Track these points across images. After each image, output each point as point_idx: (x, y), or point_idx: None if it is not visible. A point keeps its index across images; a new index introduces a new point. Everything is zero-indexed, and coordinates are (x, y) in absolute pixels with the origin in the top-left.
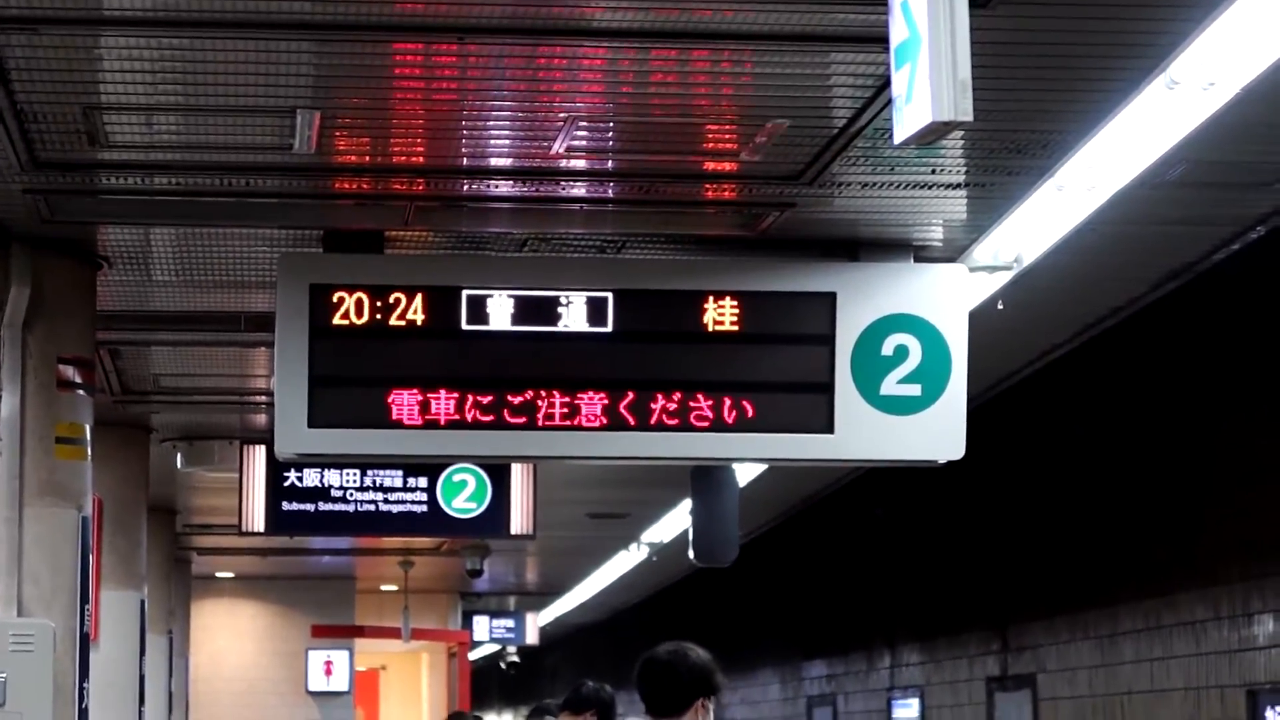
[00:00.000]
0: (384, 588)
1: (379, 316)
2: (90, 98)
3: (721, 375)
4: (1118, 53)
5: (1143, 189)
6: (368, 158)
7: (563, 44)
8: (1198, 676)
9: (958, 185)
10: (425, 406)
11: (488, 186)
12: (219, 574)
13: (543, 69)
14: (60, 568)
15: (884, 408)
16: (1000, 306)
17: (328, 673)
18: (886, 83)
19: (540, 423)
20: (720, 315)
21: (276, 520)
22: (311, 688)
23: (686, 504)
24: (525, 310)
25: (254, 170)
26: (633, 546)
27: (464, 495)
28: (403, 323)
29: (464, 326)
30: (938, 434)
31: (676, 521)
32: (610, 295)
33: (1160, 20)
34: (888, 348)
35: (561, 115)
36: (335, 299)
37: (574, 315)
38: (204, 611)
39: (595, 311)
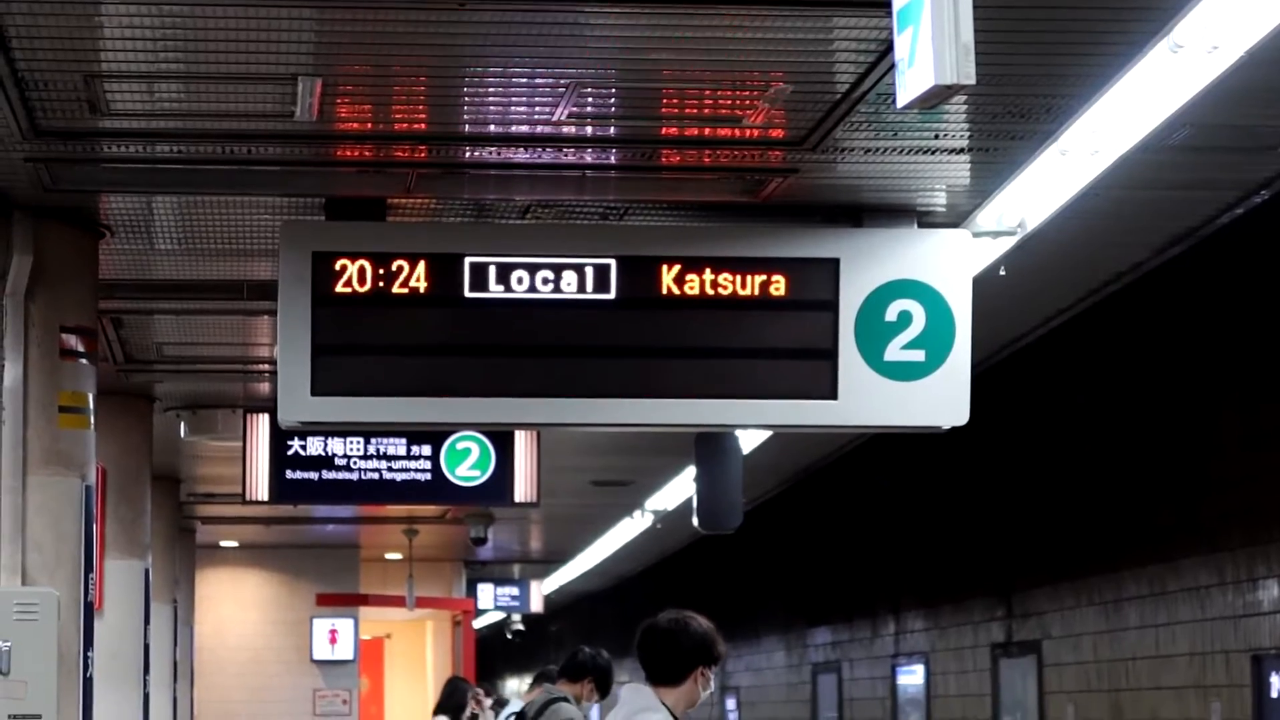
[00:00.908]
0: (388, 556)
1: (381, 284)
2: (91, 65)
3: (725, 342)
4: (1121, 16)
5: (1146, 153)
6: (369, 125)
7: (565, 9)
8: (1202, 642)
9: (961, 150)
10: None
11: (490, 153)
12: (223, 543)
13: (545, 34)
14: (64, 536)
15: (888, 373)
16: (1002, 272)
17: (332, 641)
18: (889, 47)
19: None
20: (724, 282)
21: (280, 489)
22: (316, 656)
23: (690, 471)
24: (528, 277)
25: (256, 138)
26: (637, 514)
27: (468, 463)
28: (405, 290)
29: (467, 294)
30: (942, 400)
31: (681, 488)
32: (613, 262)
33: None
34: (891, 313)
35: (564, 81)
36: (338, 267)
37: (577, 282)
38: (208, 580)
39: (598, 278)
